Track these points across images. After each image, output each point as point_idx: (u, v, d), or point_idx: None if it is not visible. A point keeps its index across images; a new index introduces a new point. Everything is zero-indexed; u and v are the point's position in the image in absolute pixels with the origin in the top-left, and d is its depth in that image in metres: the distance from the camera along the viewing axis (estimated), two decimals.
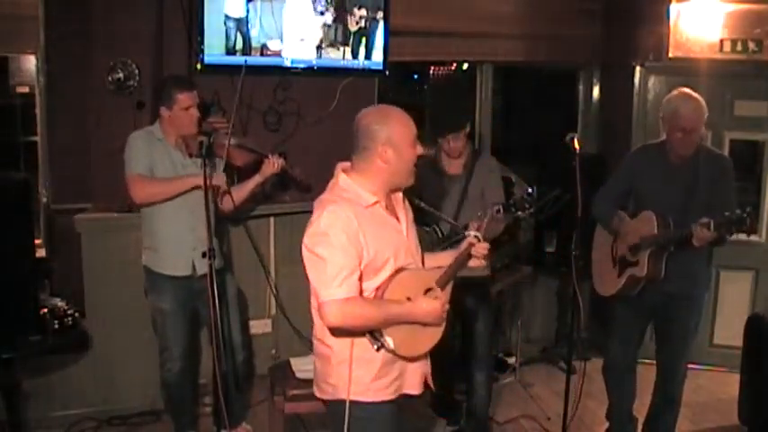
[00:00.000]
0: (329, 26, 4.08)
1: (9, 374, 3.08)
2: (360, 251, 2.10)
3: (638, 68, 4.68)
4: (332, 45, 4.11)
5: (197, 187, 3.14)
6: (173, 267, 3.29)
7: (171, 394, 3.45)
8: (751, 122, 4.51)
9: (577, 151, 3.06)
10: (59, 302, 3.29)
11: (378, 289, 2.17)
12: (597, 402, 3.74)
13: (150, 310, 3.38)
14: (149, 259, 3.33)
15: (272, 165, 3.43)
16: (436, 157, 3.67)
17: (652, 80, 4.69)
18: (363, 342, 2.17)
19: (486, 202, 3.08)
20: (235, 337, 3.50)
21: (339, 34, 4.12)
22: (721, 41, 4.41)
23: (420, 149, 2.21)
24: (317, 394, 2.35)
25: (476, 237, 2.38)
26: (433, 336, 2.25)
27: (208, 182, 3.03)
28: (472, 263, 2.41)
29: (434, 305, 2.19)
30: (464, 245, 2.38)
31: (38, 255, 3.37)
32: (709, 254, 3.25)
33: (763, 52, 4.35)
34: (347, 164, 2.27)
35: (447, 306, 2.24)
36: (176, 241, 3.26)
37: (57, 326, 3.18)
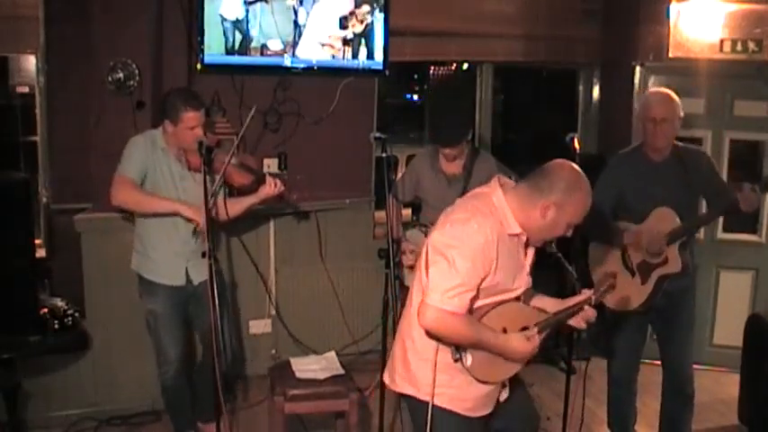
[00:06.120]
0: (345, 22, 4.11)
1: (9, 374, 3.08)
2: (486, 273, 2.10)
3: (638, 68, 4.67)
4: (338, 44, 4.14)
5: (176, 214, 3.14)
6: (166, 277, 3.28)
7: (169, 396, 3.44)
8: (751, 122, 4.51)
9: (577, 151, 3.06)
10: (59, 302, 3.28)
11: (480, 309, 2.17)
12: (597, 402, 3.73)
13: (144, 312, 3.38)
14: (141, 265, 3.32)
15: (270, 188, 3.32)
16: (435, 156, 3.67)
17: (652, 80, 4.68)
18: (448, 348, 2.18)
19: None
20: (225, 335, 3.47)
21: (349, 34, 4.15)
22: (721, 41, 4.40)
23: (569, 234, 2.18)
24: (391, 386, 2.35)
25: (590, 299, 2.30)
26: (510, 369, 2.27)
27: (190, 214, 3.07)
28: (573, 321, 2.33)
29: (525, 345, 2.18)
30: (574, 300, 2.32)
31: (38, 255, 3.37)
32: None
33: (763, 52, 4.35)
34: (508, 181, 2.24)
35: (536, 350, 2.22)
36: (171, 252, 3.26)
37: (57, 326, 3.18)
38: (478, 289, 2.12)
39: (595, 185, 3.25)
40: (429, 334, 2.16)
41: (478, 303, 2.17)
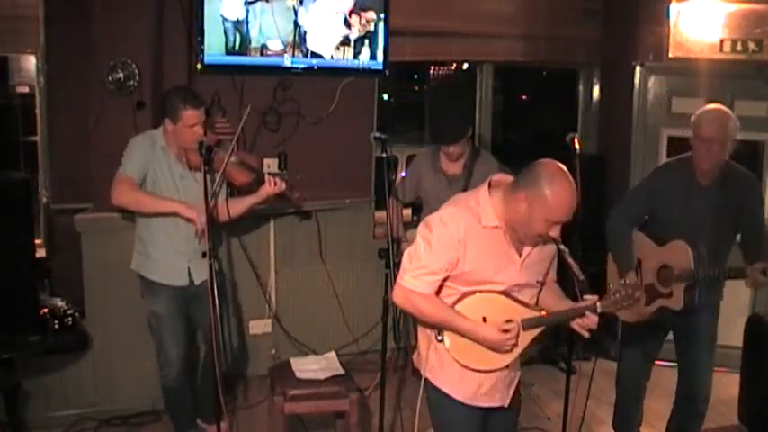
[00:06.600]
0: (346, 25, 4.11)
1: (9, 374, 3.08)
2: (453, 261, 2.20)
3: (638, 68, 4.68)
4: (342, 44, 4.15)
5: (175, 214, 3.13)
6: (168, 277, 3.28)
7: (170, 397, 3.44)
8: (751, 122, 4.48)
9: (577, 151, 3.05)
10: (59, 302, 3.29)
11: (454, 294, 2.27)
12: (597, 402, 3.74)
13: (146, 312, 3.38)
14: (142, 265, 3.32)
15: (270, 186, 3.31)
16: (435, 156, 3.67)
17: (652, 80, 4.69)
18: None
19: None
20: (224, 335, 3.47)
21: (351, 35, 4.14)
22: (721, 41, 4.41)
23: (553, 233, 2.14)
24: (417, 367, 2.49)
25: (594, 305, 2.23)
26: (494, 360, 2.29)
27: (189, 215, 3.08)
28: (575, 325, 2.29)
29: (494, 336, 2.22)
30: (577, 305, 2.28)
31: (38, 255, 3.37)
32: None
33: (763, 52, 4.35)
34: (505, 178, 2.27)
35: (511, 342, 2.24)
36: (172, 251, 3.26)
37: (57, 326, 3.18)
38: (449, 276, 2.23)
39: (631, 190, 3.27)
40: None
41: (463, 289, 2.24)
